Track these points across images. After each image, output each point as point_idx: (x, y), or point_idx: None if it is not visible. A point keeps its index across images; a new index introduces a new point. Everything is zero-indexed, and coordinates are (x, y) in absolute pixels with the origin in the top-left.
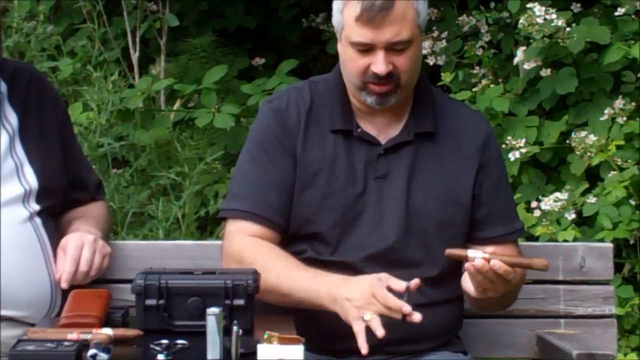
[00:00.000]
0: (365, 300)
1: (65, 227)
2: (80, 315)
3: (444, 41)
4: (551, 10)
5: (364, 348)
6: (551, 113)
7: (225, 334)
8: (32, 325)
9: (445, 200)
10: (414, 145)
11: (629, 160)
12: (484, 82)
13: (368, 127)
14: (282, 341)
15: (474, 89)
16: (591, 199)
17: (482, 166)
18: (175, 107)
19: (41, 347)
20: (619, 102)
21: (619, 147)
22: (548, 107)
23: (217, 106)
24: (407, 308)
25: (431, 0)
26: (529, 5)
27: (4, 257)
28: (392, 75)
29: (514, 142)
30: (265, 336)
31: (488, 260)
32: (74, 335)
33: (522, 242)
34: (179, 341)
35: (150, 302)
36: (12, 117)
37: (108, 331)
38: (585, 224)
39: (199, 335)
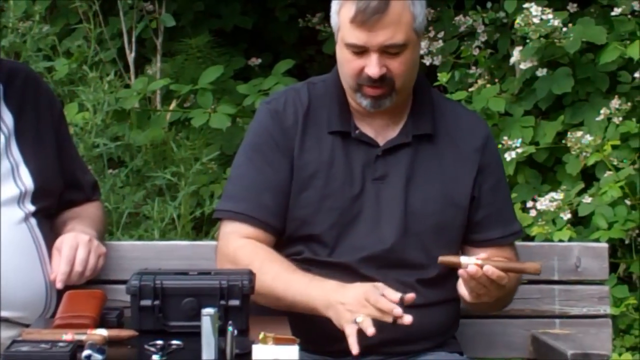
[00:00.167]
0: (358, 303)
1: (61, 227)
2: (74, 316)
3: (440, 41)
4: (547, 10)
5: (354, 349)
6: (547, 113)
7: (220, 334)
8: (27, 326)
9: (444, 203)
10: (412, 147)
11: (625, 160)
12: (480, 82)
13: (366, 128)
14: (277, 341)
15: (470, 89)
16: (587, 199)
17: (481, 169)
18: (171, 108)
19: (36, 347)
20: (615, 102)
21: (614, 147)
22: (544, 107)
23: (213, 106)
24: (398, 311)
25: (428, 0)
26: (526, 5)
27: None
28: (385, 78)
29: (510, 142)
30: (260, 336)
31: (481, 266)
32: (68, 336)
33: (517, 242)
34: (174, 342)
35: (145, 302)
36: (7, 117)
37: (103, 332)
38: (581, 223)
39: (194, 335)
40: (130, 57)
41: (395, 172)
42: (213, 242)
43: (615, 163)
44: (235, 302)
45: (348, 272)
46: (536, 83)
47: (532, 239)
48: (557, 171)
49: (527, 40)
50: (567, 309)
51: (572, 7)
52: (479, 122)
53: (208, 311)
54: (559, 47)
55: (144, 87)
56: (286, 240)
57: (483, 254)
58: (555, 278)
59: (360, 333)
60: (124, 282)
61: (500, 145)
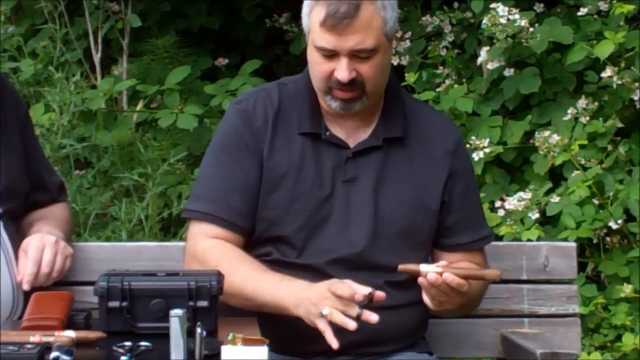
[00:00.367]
0: (321, 296)
1: (27, 229)
2: (42, 318)
3: (407, 41)
4: (514, 10)
5: (334, 343)
6: (515, 113)
7: (189, 335)
8: None
9: (414, 206)
10: (383, 150)
11: (592, 160)
12: (447, 82)
13: (337, 130)
14: (246, 342)
15: (437, 89)
16: (555, 199)
17: (452, 174)
18: (138, 108)
19: (3, 350)
20: (582, 102)
21: (582, 147)
22: (511, 107)
23: (180, 107)
24: (358, 296)
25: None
26: (493, 5)
27: None
28: (356, 82)
29: (477, 142)
30: (229, 337)
31: (440, 274)
32: (36, 338)
33: None
34: (143, 343)
35: (113, 304)
36: None
37: (70, 333)
38: (549, 223)
39: (163, 337)
40: (97, 57)
41: (365, 175)
42: (181, 243)
43: (582, 162)
44: (203, 303)
45: (316, 274)
46: (503, 83)
47: (500, 238)
48: (525, 171)
49: (494, 41)
50: (536, 308)
51: (539, 7)
52: (450, 126)
53: (176, 312)
54: (526, 47)
55: (111, 88)
56: (255, 241)
57: (443, 261)
58: (524, 277)
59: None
60: (91, 283)
61: (468, 145)
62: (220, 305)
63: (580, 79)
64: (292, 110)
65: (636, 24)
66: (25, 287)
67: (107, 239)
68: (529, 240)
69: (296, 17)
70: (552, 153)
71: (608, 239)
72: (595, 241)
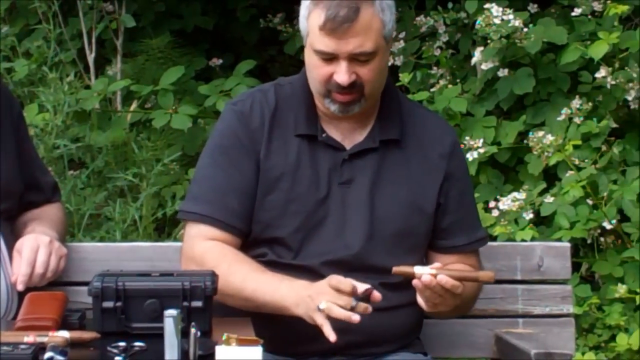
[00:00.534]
0: (320, 291)
1: (21, 229)
2: (36, 318)
3: (401, 42)
4: (508, 10)
5: (331, 336)
6: (509, 113)
7: (183, 336)
8: None
9: (410, 208)
10: (379, 152)
11: (586, 160)
12: (441, 82)
13: (333, 132)
14: (241, 342)
15: (431, 90)
16: (549, 199)
17: (447, 176)
18: (132, 108)
19: None
20: (576, 102)
21: (576, 147)
22: (506, 107)
23: (174, 107)
24: (360, 291)
25: None
26: (487, 5)
27: None
28: (355, 85)
29: (472, 142)
30: (224, 338)
31: (435, 276)
32: (30, 338)
33: None
34: (137, 343)
35: (108, 304)
36: None
37: (65, 334)
38: (543, 223)
39: (157, 337)
40: (91, 57)
41: (361, 177)
42: (175, 243)
43: (576, 163)
44: (198, 304)
45: (311, 275)
46: (498, 83)
47: (494, 238)
48: (519, 171)
49: (489, 41)
50: (530, 308)
51: (533, 8)
52: (446, 128)
53: (171, 312)
54: (520, 48)
55: (105, 88)
56: (251, 243)
57: (437, 263)
58: (518, 278)
59: (324, 335)
60: (85, 283)
61: (462, 146)
62: (214, 305)
63: (575, 80)
64: (289, 111)
65: (630, 25)
66: (20, 287)
67: (101, 239)
68: (523, 240)
69: (290, 18)
70: (546, 153)
71: (602, 239)
72: (589, 241)
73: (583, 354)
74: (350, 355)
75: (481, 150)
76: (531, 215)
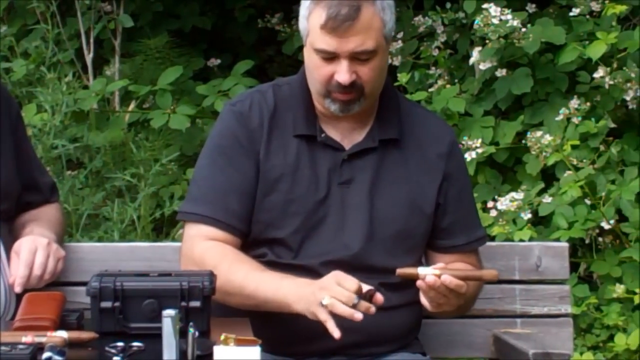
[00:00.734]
0: (323, 287)
1: (19, 230)
2: (34, 318)
3: (399, 42)
4: (507, 10)
5: (335, 333)
6: (507, 113)
7: (181, 336)
8: None
9: (409, 208)
10: (378, 152)
11: (584, 160)
12: (440, 82)
13: (332, 132)
14: (239, 343)
15: (430, 90)
16: (547, 199)
17: (446, 176)
18: (130, 109)
19: None
20: (574, 102)
21: (574, 147)
22: (504, 107)
23: (172, 107)
24: (364, 286)
25: None
26: (485, 5)
27: None
28: (355, 84)
29: (470, 143)
30: (222, 338)
31: (439, 276)
32: (28, 338)
33: None
34: (135, 344)
35: (106, 304)
36: None
37: (63, 334)
38: (541, 223)
39: (155, 337)
40: (89, 58)
41: (361, 177)
42: (173, 244)
43: (574, 163)
44: (196, 304)
45: (311, 275)
46: (496, 83)
47: (492, 238)
48: (517, 171)
49: (487, 41)
50: (528, 308)
51: (531, 8)
52: (445, 128)
53: (169, 312)
54: (518, 48)
55: (103, 88)
56: (250, 243)
57: (441, 263)
58: (516, 278)
59: (324, 335)
60: (83, 283)
61: (460, 146)
62: (213, 305)
63: (573, 80)
64: (287, 112)
65: (628, 25)
66: (17, 289)
67: (100, 240)
68: (521, 240)
69: (288, 18)
70: (544, 153)
71: (600, 239)
72: (587, 241)
73: (581, 354)
74: (349, 355)
75: (479, 150)
76: (529, 215)
